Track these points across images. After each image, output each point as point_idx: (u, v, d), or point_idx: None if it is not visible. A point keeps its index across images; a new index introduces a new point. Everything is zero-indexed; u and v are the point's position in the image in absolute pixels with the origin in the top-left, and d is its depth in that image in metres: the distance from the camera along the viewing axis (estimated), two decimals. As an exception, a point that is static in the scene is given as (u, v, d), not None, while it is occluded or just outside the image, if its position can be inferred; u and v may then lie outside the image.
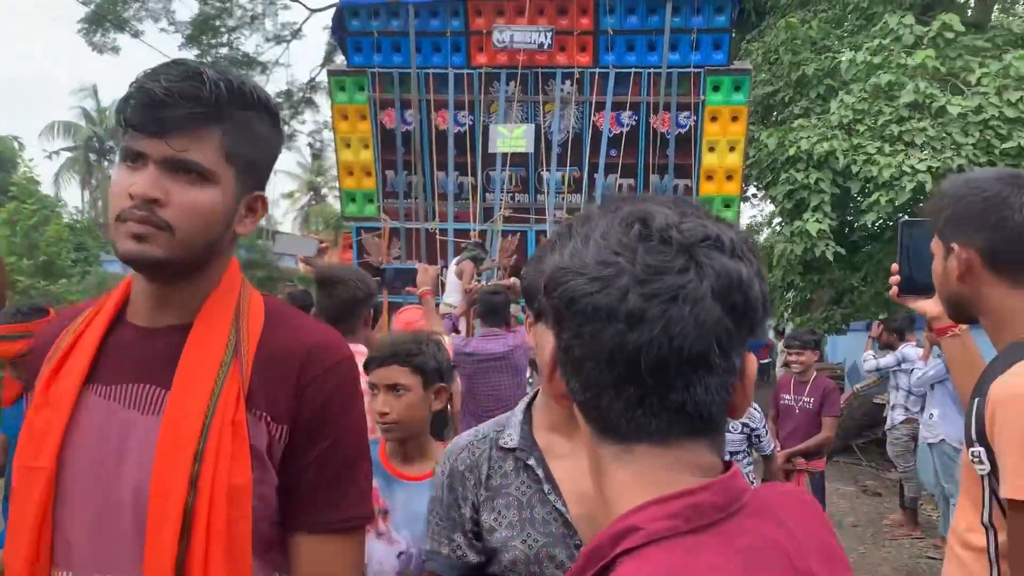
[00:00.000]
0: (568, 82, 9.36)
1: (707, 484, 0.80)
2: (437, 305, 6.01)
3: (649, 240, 0.79)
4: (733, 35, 9.52)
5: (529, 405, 1.78)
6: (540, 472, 1.65)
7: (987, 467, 1.56)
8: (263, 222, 35.91)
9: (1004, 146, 9.41)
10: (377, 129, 9.75)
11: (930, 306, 1.92)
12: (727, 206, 9.54)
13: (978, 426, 1.58)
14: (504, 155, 9.35)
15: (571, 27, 9.15)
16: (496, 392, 5.44)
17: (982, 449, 1.57)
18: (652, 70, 9.18)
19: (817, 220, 9.85)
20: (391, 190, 9.98)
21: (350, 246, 10.10)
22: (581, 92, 9.37)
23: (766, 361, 16.17)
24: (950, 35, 10.27)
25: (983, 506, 1.59)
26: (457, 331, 5.95)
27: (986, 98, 9.59)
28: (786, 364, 6.73)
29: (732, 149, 9.36)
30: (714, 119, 9.26)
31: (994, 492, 1.56)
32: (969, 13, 13.08)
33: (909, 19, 10.58)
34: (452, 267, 8.72)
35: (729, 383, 0.82)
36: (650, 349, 0.77)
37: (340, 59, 11.19)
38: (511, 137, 9.16)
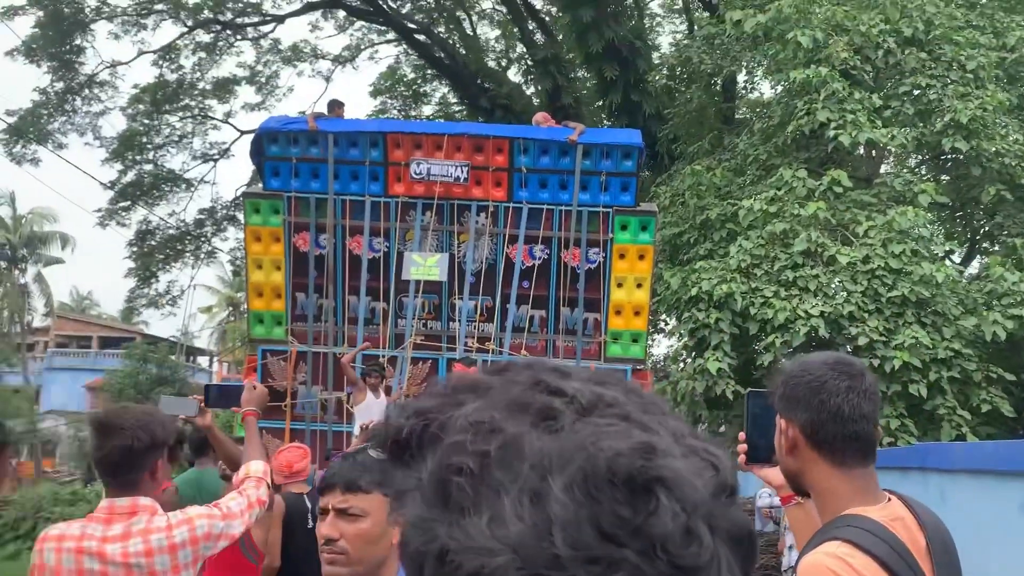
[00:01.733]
0: (483, 214, 9.46)
1: None
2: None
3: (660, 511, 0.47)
4: (641, 177, 9.85)
5: None
6: None
7: None
8: (179, 336, 34.86)
9: (890, 295, 9.81)
10: (290, 252, 9.62)
11: (773, 475, 1.96)
12: (635, 340, 9.62)
13: None
14: (417, 282, 9.30)
15: (487, 163, 9.33)
16: None
17: None
18: (563, 207, 9.37)
19: (717, 359, 10.05)
20: (300, 313, 9.78)
21: (254, 369, 9.76)
22: (495, 224, 9.48)
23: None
24: (839, 189, 10.83)
25: None
26: None
27: (873, 249, 10.05)
28: None
29: (639, 286, 9.50)
30: (622, 256, 9.43)
31: None
32: (863, 168, 13.90)
33: (802, 173, 11.17)
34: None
35: None
36: None
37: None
38: (425, 265, 9.14)
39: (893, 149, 14.04)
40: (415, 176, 9.22)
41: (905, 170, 14.54)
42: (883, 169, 15.04)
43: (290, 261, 9.64)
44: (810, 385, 1.70)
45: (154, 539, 2.41)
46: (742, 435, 2.03)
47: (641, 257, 9.43)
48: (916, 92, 12.11)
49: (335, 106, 10.03)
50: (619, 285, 9.47)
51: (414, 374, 9.50)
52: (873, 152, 14.03)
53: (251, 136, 10.55)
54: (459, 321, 9.54)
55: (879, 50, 11.93)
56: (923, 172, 15.71)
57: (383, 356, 9.26)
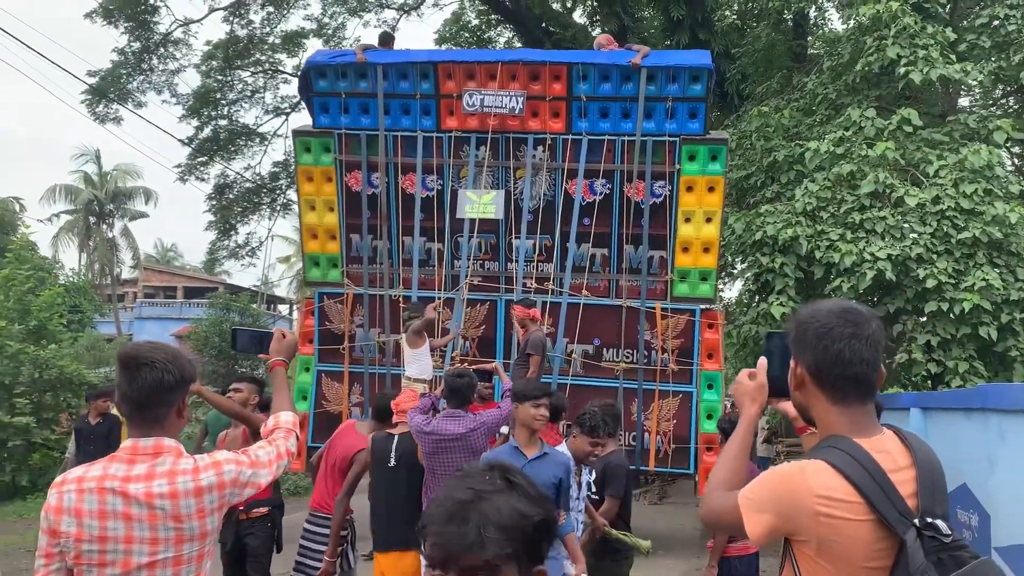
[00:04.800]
0: (540, 148, 8.57)
1: None
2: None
3: None
4: (709, 104, 8.82)
5: None
6: None
7: None
8: (259, 285, 34.96)
9: (960, 236, 9.09)
10: (342, 192, 8.92)
11: (789, 407, 2.05)
12: (704, 279, 8.68)
13: None
14: (473, 221, 8.50)
15: (544, 93, 8.41)
16: (453, 472, 5.05)
17: None
18: (626, 138, 8.40)
19: (781, 304, 9.35)
20: (355, 255, 9.11)
21: (311, 312, 9.17)
22: (553, 158, 8.58)
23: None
24: (909, 128, 9.95)
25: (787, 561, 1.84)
26: (437, 411, 5.41)
27: (943, 189, 9.29)
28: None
29: (709, 220, 8.53)
30: (690, 189, 8.44)
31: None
32: (939, 105, 12.66)
33: (870, 112, 10.29)
34: (403, 337, 7.81)
35: None
36: None
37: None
38: (480, 203, 8.32)
39: (971, 84, 12.78)
40: (468, 108, 8.36)
41: (983, 106, 13.26)
42: (964, 103, 13.74)
43: (343, 201, 8.95)
44: (817, 331, 1.82)
45: (180, 481, 2.28)
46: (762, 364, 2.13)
47: (711, 189, 8.43)
48: (995, 23, 11.02)
49: (387, 39, 9.22)
50: (687, 220, 8.51)
51: (471, 316, 8.76)
52: (950, 88, 12.75)
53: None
54: (517, 261, 8.72)
55: None
56: (1010, 105, 14.22)
57: (439, 298, 8.53)
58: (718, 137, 8.69)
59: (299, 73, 9.20)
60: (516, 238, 8.70)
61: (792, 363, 1.89)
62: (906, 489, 1.71)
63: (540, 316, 7.95)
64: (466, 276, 8.61)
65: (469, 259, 8.69)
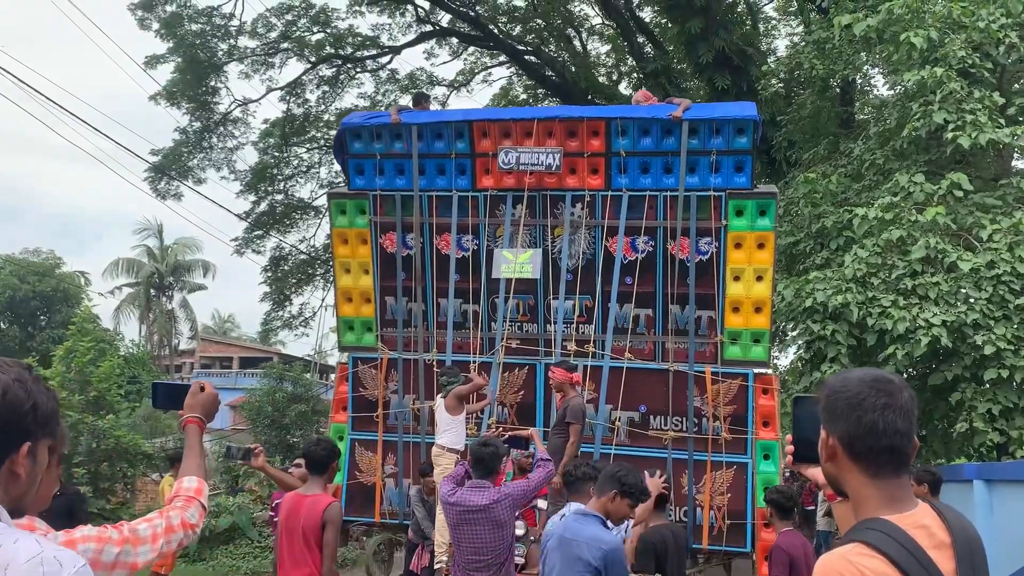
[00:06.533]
0: (579, 205, 8.12)
1: None
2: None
3: None
4: (756, 157, 8.34)
5: None
6: None
7: None
8: (313, 355, 34.90)
9: (1018, 302, 8.76)
10: (377, 254, 8.57)
11: (817, 474, 1.98)
12: (756, 340, 8.01)
13: None
14: (509, 281, 8.03)
15: (581, 149, 8.01)
16: (476, 544, 4.87)
17: None
18: (669, 193, 7.91)
19: (834, 372, 8.89)
20: (390, 318, 8.69)
21: (345, 378, 8.74)
22: (593, 215, 8.12)
23: (810, 508, 14.10)
24: (960, 193, 9.65)
25: None
26: (470, 477, 5.18)
27: (998, 254, 9.01)
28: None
29: (760, 278, 7.91)
30: (738, 246, 7.87)
31: None
32: (992, 168, 12.10)
33: (919, 177, 9.98)
34: (439, 403, 7.29)
35: None
36: None
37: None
38: (516, 262, 7.87)
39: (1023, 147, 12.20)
40: (503, 166, 7.98)
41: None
42: (1021, 165, 13.15)
43: (377, 263, 8.60)
44: (849, 401, 1.74)
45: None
46: (789, 437, 2.06)
47: (761, 246, 7.84)
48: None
49: (421, 99, 9.01)
50: (736, 278, 7.90)
51: (509, 381, 8.20)
52: (1002, 151, 12.18)
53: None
54: (556, 323, 8.18)
55: (1000, 46, 10.45)
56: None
57: (474, 362, 8.01)
58: (767, 191, 8.14)
59: (335, 135, 9.00)
60: (555, 299, 8.19)
61: (823, 433, 1.80)
62: (946, 567, 1.65)
63: (581, 380, 7.37)
64: (502, 339, 8.10)
65: (506, 321, 8.20)
